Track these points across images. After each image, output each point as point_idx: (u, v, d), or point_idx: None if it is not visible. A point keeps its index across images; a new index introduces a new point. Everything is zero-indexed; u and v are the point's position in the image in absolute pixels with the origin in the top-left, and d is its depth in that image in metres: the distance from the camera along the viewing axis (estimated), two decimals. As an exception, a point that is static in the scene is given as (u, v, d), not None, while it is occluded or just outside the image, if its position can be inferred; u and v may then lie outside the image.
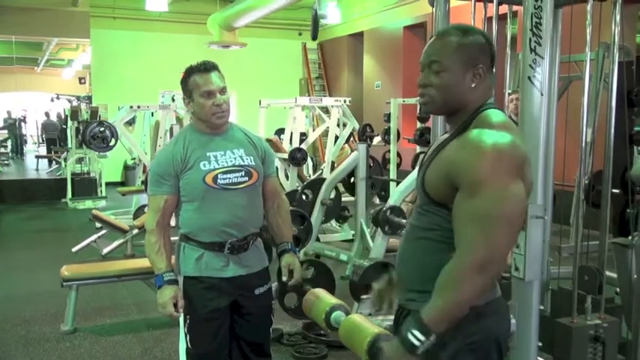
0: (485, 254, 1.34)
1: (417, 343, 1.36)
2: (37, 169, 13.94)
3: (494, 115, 1.47)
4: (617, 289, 3.01)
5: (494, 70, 1.54)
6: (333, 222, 6.47)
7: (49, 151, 15.09)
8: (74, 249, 5.79)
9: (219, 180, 2.16)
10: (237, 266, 2.23)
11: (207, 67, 2.18)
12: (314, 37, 2.09)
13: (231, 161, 2.20)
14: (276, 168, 2.27)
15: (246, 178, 2.21)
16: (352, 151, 5.97)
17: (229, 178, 2.18)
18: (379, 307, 1.86)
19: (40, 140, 18.65)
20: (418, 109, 7.32)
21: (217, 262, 2.20)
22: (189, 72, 2.19)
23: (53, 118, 17.30)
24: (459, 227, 1.39)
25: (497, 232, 1.34)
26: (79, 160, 10.22)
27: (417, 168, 1.69)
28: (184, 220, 2.22)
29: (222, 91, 2.19)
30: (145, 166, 8.16)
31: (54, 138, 14.92)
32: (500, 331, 1.55)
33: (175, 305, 2.15)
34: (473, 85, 1.48)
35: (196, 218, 2.19)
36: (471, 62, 1.47)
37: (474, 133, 1.41)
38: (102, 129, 7.71)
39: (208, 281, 2.20)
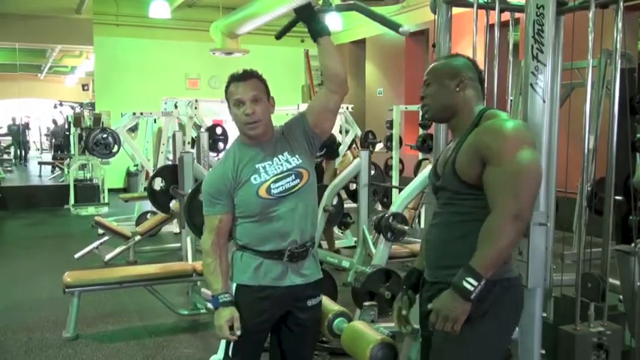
0: (516, 207, 1.64)
1: (470, 288, 1.64)
2: (39, 176, 13.93)
3: (499, 111, 1.84)
4: (620, 297, 3.00)
5: (480, 82, 1.91)
6: (336, 229, 6.47)
7: (55, 157, 15.11)
8: (76, 255, 5.80)
9: (272, 190, 2.09)
10: (294, 275, 2.14)
11: (243, 76, 2.11)
12: (278, 37, 2.09)
13: (279, 168, 2.12)
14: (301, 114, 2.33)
15: (298, 181, 2.12)
16: (354, 157, 5.97)
17: (282, 186, 2.10)
18: (404, 327, 2.00)
19: (49, 146, 18.65)
20: (420, 116, 7.34)
21: (275, 271, 2.12)
22: (229, 81, 2.13)
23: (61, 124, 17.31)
24: (492, 190, 1.69)
25: (523, 189, 1.65)
26: (82, 167, 10.24)
27: (424, 173, 2.08)
28: (242, 232, 2.15)
29: (255, 99, 2.10)
30: (147, 173, 8.17)
31: (62, 144, 14.95)
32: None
33: (232, 328, 2.06)
34: (457, 89, 1.84)
35: (255, 230, 2.12)
36: (454, 73, 1.85)
37: (490, 122, 1.76)
38: (105, 135, 7.75)
39: (265, 290, 2.11)
